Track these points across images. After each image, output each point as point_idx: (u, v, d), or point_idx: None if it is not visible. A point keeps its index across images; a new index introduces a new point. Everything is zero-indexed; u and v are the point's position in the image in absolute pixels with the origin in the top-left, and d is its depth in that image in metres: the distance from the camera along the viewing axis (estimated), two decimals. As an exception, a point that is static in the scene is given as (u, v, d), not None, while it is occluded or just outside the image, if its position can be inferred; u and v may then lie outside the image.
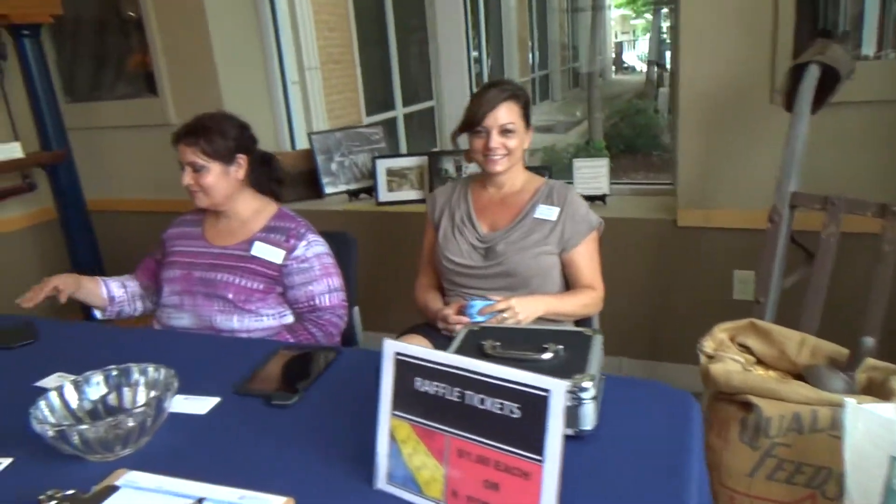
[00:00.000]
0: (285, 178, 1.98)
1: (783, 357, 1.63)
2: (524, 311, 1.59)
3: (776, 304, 1.82)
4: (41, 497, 0.94)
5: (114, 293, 1.84)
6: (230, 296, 1.67)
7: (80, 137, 3.16)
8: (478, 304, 1.60)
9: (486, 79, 11.13)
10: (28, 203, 3.18)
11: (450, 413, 0.88)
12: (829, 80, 1.76)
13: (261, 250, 1.70)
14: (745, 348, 1.68)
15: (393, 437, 0.94)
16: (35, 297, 1.65)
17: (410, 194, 2.96)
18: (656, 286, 2.54)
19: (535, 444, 0.81)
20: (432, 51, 9.33)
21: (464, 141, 1.80)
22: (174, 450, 1.12)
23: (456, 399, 0.87)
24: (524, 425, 0.82)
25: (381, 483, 0.95)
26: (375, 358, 1.39)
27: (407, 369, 0.92)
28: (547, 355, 1.08)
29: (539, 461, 0.81)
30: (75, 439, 1.04)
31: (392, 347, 0.93)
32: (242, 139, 1.75)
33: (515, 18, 12.40)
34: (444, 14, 2.93)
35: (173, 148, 1.74)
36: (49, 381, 1.39)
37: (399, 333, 1.79)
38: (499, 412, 0.84)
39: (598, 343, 1.13)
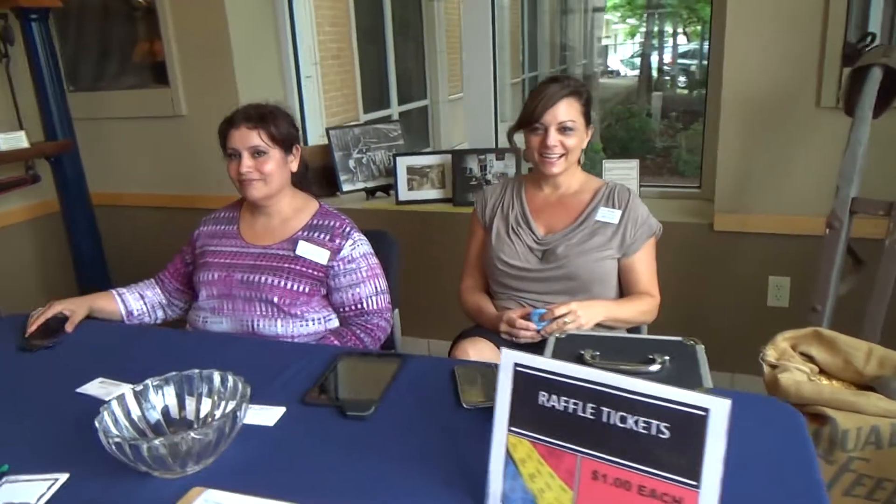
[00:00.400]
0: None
1: (848, 367, 1.58)
2: (586, 315, 1.53)
3: (832, 313, 1.77)
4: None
5: (131, 307, 1.74)
6: (275, 299, 1.57)
7: (85, 128, 3.02)
8: (540, 312, 1.53)
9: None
10: (29, 195, 3.04)
11: (582, 431, 0.81)
12: (891, 84, 1.72)
13: (305, 250, 1.61)
14: (808, 357, 1.64)
15: (510, 456, 0.86)
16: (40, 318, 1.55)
17: (431, 193, 2.88)
18: (691, 291, 2.49)
19: (689, 467, 0.74)
20: (428, 50, 9.19)
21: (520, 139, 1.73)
22: (245, 464, 1.03)
23: (590, 416, 0.80)
24: (676, 447, 0.75)
25: (494, 505, 0.87)
26: (440, 365, 1.34)
27: (529, 382, 0.85)
28: (655, 367, 1.01)
29: (695, 487, 0.74)
30: (146, 454, 0.94)
31: (511, 358, 0.86)
32: (296, 130, 1.67)
33: (508, 19, 12.36)
34: (470, 13, 2.84)
35: (220, 136, 1.64)
36: (92, 388, 1.29)
37: (453, 340, 1.71)
38: (644, 431, 0.77)
39: (702, 353, 1.07)
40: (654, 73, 13.12)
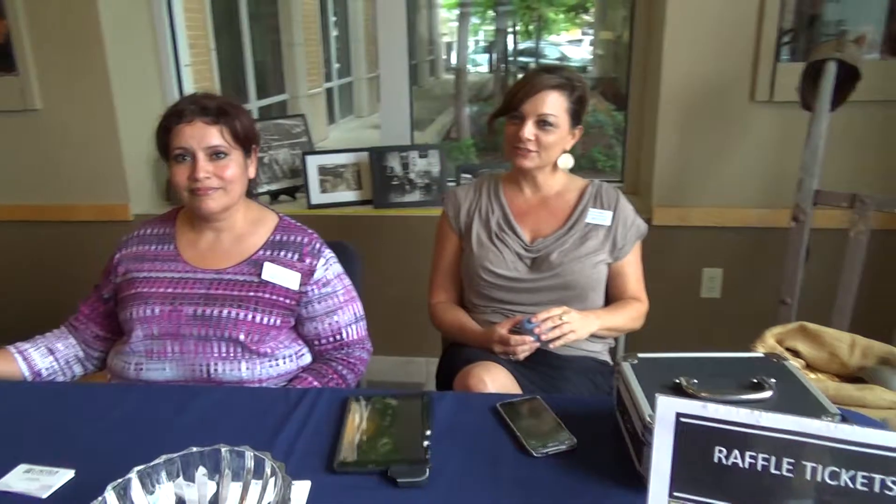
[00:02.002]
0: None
1: (833, 360, 1.58)
2: (582, 327, 1.40)
3: (799, 304, 1.79)
4: None
5: (38, 367, 1.35)
6: (241, 337, 1.27)
7: None
8: (532, 324, 1.37)
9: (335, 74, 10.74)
10: None
11: (777, 493, 0.66)
12: (845, 78, 1.76)
13: (273, 274, 1.32)
14: (794, 352, 1.63)
15: (674, 529, 0.69)
16: None
17: (348, 195, 2.62)
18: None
19: (926, 527, 0.61)
20: (285, 42, 8.76)
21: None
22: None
23: (787, 474, 0.65)
24: (908, 503, 0.62)
25: (652, 590, 0.70)
26: (468, 401, 1.13)
27: (699, 436, 0.68)
28: (766, 394, 0.89)
29: (935, 550, 0.61)
30: None
31: (671, 407, 0.69)
32: (256, 126, 1.37)
33: (361, 11, 12.12)
34: (384, 10, 2.60)
35: (160, 133, 1.30)
36: (14, 479, 0.94)
37: (441, 362, 1.52)
38: (863, 489, 0.63)
39: (797, 370, 0.96)
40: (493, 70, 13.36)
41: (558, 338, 1.36)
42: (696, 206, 2.33)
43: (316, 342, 1.38)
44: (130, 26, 2.56)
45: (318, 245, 1.39)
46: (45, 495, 0.90)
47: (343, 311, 1.38)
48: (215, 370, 1.27)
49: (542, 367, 1.39)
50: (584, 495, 0.88)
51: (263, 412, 1.09)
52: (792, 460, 0.65)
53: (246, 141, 1.33)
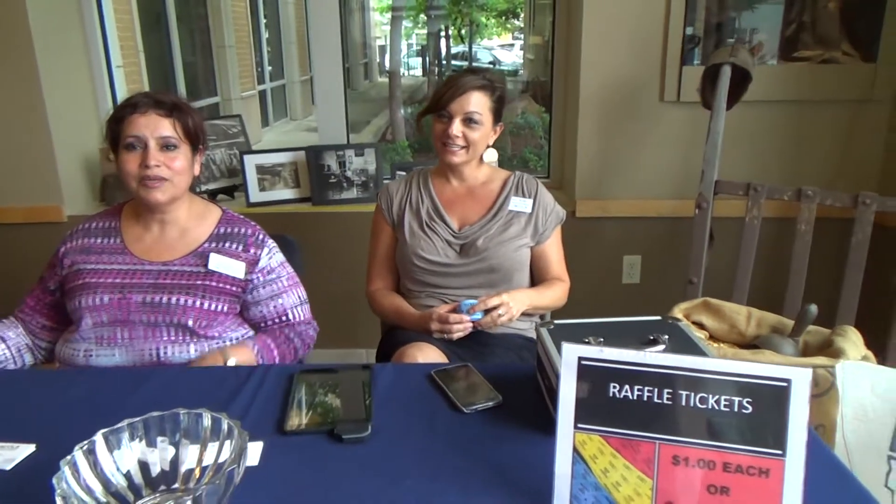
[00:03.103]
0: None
1: (733, 330, 1.77)
2: (516, 305, 1.53)
3: (704, 284, 1.98)
4: None
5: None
6: (189, 322, 1.34)
7: None
8: (471, 303, 1.50)
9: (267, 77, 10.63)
10: None
11: (659, 418, 0.80)
12: (739, 80, 1.96)
13: (219, 264, 1.40)
14: (699, 325, 1.81)
15: (578, 454, 0.82)
16: None
17: (286, 193, 2.69)
18: (555, 276, 2.62)
19: (774, 438, 0.76)
20: (215, 44, 8.61)
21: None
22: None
23: (666, 402, 0.79)
24: (759, 420, 0.77)
25: (563, 509, 0.83)
26: (407, 371, 1.25)
27: (597, 375, 0.81)
28: (660, 347, 1.04)
29: (780, 456, 0.76)
30: None
31: (574, 352, 0.82)
32: (204, 127, 1.44)
33: (293, 14, 12.05)
34: (316, 10, 2.68)
35: (112, 124, 1.37)
36: (-22, 456, 0.99)
37: (381, 346, 1.62)
38: (726, 409, 0.78)
39: (689, 329, 1.12)
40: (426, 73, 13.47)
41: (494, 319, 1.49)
42: (615, 198, 2.51)
43: (262, 324, 1.46)
44: (60, 27, 2.55)
45: (261, 236, 1.48)
46: (8, 467, 0.96)
47: (287, 295, 1.47)
48: (165, 353, 1.34)
49: (472, 344, 1.52)
50: (508, 442, 1.00)
51: (214, 388, 1.17)
52: (670, 390, 0.79)
53: (195, 138, 1.41)
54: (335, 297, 2.54)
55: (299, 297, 1.49)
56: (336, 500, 0.89)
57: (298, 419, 1.04)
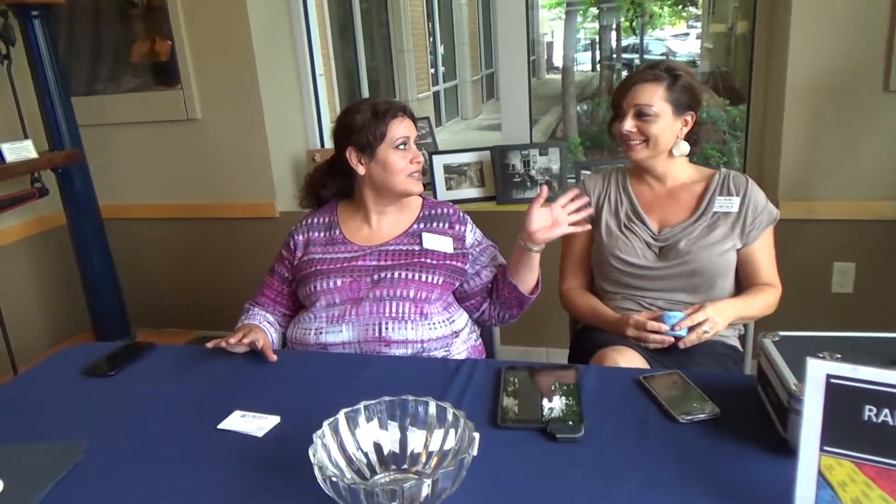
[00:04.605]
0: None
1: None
2: (721, 319, 1.45)
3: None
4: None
5: (274, 339, 1.58)
6: (411, 293, 1.47)
7: (88, 135, 2.77)
8: (675, 316, 1.43)
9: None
10: (29, 209, 2.78)
11: (926, 448, 0.72)
12: None
13: (431, 242, 1.55)
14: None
15: (824, 479, 0.77)
16: (237, 346, 1.38)
17: (472, 192, 2.77)
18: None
19: None
20: (395, 49, 9.02)
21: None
22: (464, 500, 0.91)
23: (937, 430, 0.72)
24: None
25: (803, 535, 0.78)
26: (614, 375, 1.24)
27: (849, 395, 0.75)
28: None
29: None
30: (364, 499, 0.81)
31: (822, 369, 0.76)
32: None
33: (466, 17, 12.34)
34: (503, 12, 2.73)
35: (355, 129, 1.52)
36: (234, 422, 1.13)
37: (573, 345, 1.62)
38: None
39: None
40: (598, 67, 13.15)
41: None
42: (825, 198, 2.30)
43: (491, 283, 1.61)
44: (275, 41, 2.83)
45: (461, 213, 1.64)
46: (260, 434, 1.09)
47: (500, 254, 1.65)
48: (386, 329, 1.45)
49: (673, 351, 1.46)
50: (729, 459, 0.96)
51: (429, 377, 1.25)
52: (942, 418, 0.72)
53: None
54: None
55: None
56: (550, 499, 0.91)
57: (511, 414, 1.07)
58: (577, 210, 1.47)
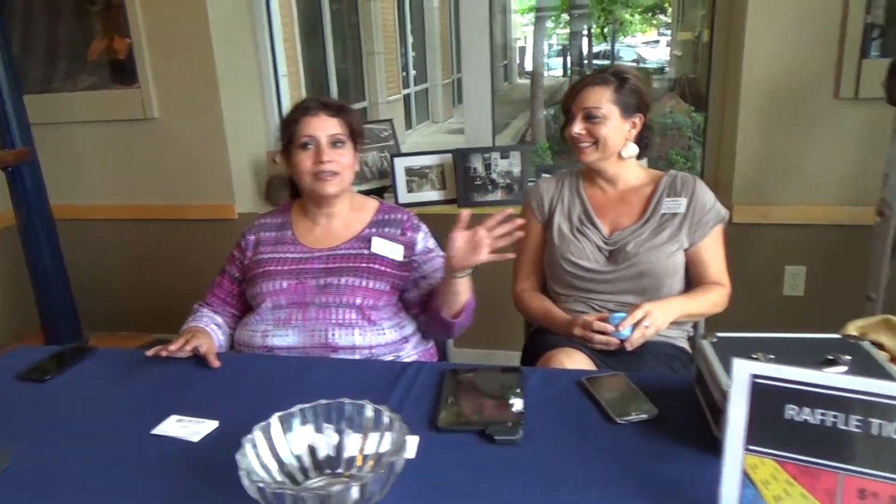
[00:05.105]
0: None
1: (919, 353, 1.59)
2: (662, 316, 1.46)
3: (885, 302, 1.79)
4: None
5: (222, 342, 1.54)
6: (358, 301, 1.45)
7: (40, 134, 2.70)
8: (619, 316, 1.44)
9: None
10: (-24, 209, 2.71)
11: (844, 446, 0.73)
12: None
13: (380, 247, 1.52)
14: (878, 345, 1.63)
15: (748, 478, 0.77)
16: (178, 352, 1.33)
17: (433, 195, 2.76)
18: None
19: None
20: (366, 51, 8.98)
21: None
22: (403, 499, 0.90)
23: (854, 429, 0.73)
24: (970, 457, 0.68)
25: (728, 534, 0.78)
26: (557, 377, 1.24)
27: (772, 395, 0.76)
28: (841, 368, 0.95)
29: None
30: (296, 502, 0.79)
31: (747, 369, 0.77)
32: (363, 126, 1.55)
33: (437, 19, 12.35)
34: (466, 14, 2.73)
35: (288, 124, 1.50)
36: (170, 427, 1.11)
37: (526, 348, 1.62)
38: (927, 443, 0.70)
39: (873, 349, 1.02)
40: (568, 73, 13.26)
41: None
42: (778, 203, 2.34)
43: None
44: (236, 41, 2.79)
45: (416, 220, 1.59)
46: (195, 440, 1.06)
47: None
48: (333, 335, 1.43)
49: (622, 353, 1.47)
50: (664, 458, 0.97)
51: (373, 380, 1.24)
52: (859, 417, 0.73)
53: (357, 135, 1.53)
54: (478, 297, 2.57)
55: None
56: (485, 501, 0.90)
57: (451, 417, 1.07)
58: (508, 233, 1.36)
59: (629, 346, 1.43)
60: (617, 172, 1.64)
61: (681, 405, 1.09)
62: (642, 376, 1.21)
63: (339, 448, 0.96)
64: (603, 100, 1.55)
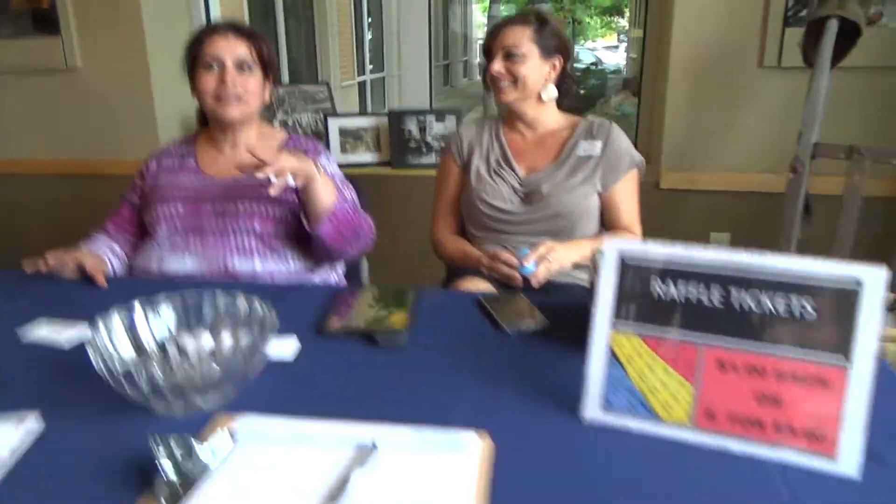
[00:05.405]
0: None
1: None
2: (567, 254, 1.46)
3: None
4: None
5: (116, 268, 1.47)
6: (257, 227, 1.39)
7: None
8: (525, 251, 1.43)
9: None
10: None
11: (706, 319, 0.73)
12: (846, 36, 1.80)
13: None
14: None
15: (614, 356, 0.77)
16: (60, 266, 1.27)
17: (367, 157, 2.72)
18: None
19: (838, 346, 0.68)
20: (319, 32, 8.83)
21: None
22: (267, 398, 0.86)
23: (718, 304, 0.72)
24: (822, 325, 0.68)
25: (594, 412, 0.77)
26: (458, 297, 1.22)
27: (640, 273, 0.75)
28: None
29: (844, 366, 0.68)
30: (144, 383, 0.75)
31: (616, 247, 0.76)
32: (275, 57, 1.49)
33: (395, 8, 12.27)
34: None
35: (193, 45, 1.45)
36: (38, 329, 1.05)
37: (443, 284, 1.60)
38: (783, 313, 0.70)
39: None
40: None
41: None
42: (704, 171, 2.37)
43: None
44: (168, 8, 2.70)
45: (320, 147, 1.55)
46: (67, 347, 1.01)
47: (345, 188, 1.50)
48: (231, 263, 1.38)
49: (529, 289, 1.46)
50: (549, 361, 0.96)
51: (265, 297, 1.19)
52: (722, 291, 0.72)
53: (268, 63, 1.47)
54: (407, 257, 2.54)
55: (352, 196, 1.51)
56: (368, 399, 0.87)
57: (333, 324, 1.04)
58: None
59: (535, 283, 1.41)
60: (536, 116, 1.63)
61: (573, 318, 1.08)
62: (544, 300, 1.20)
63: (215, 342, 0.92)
64: (523, 38, 1.54)
